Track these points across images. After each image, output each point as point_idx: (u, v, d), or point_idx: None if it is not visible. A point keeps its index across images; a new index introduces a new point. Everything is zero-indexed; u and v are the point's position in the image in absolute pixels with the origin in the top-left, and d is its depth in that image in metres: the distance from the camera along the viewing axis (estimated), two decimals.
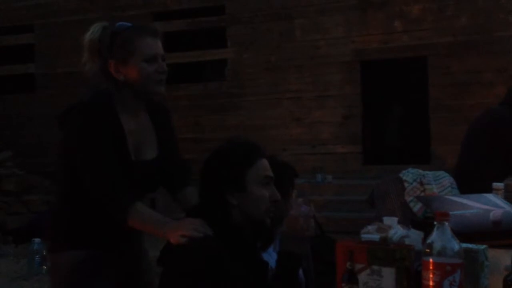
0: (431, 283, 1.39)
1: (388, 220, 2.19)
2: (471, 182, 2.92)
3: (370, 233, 1.98)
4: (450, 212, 1.49)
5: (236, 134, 2.38)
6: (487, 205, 2.01)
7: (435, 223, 1.42)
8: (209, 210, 1.73)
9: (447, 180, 3.00)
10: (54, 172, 2.12)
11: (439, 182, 2.98)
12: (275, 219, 2.10)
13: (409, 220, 2.55)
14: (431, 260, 1.39)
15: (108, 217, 1.91)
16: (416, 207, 2.79)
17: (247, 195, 1.72)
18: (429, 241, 1.41)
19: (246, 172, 1.73)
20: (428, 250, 1.40)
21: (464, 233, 1.63)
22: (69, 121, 1.96)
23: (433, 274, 1.38)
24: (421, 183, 2.99)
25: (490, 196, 2.16)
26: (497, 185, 2.36)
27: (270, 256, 2.03)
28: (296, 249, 1.76)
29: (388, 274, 1.51)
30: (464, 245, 1.47)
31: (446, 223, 1.41)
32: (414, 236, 1.87)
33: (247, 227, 1.74)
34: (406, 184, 3.06)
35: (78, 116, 1.94)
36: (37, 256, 6.04)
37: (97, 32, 2.00)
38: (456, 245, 1.40)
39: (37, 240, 6.12)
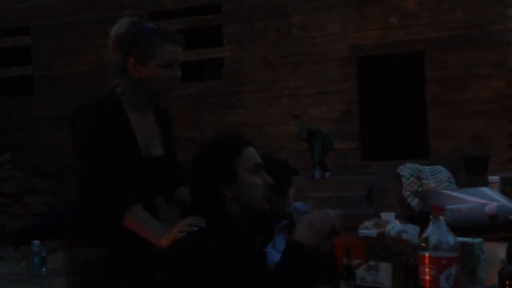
0: (427, 277, 1.39)
1: (386, 216, 2.19)
2: None
3: (368, 229, 1.98)
4: (446, 207, 1.50)
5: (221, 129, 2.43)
6: (483, 199, 2.02)
7: (431, 217, 1.43)
8: (204, 204, 1.75)
9: (444, 174, 3.01)
10: (73, 170, 2.14)
11: (436, 177, 2.98)
12: (273, 215, 2.10)
13: (407, 214, 2.56)
14: (426, 254, 1.39)
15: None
16: (414, 202, 2.80)
17: (240, 185, 1.75)
18: (424, 235, 1.42)
19: (235, 161, 1.75)
20: (424, 245, 1.41)
21: (460, 227, 1.63)
22: (75, 123, 2.02)
23: (429, 268, 1.38)
24: (418, 178, 3.01)
25: (485, 189, 2.17)
26: (493, 178, 2.37)
27: (271, 254, 2.04)
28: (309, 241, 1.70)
29: (385, 269, 1.52)
30: (460, 238, 1.48)
31: (442, 217, 1.41)
32: (411, 231, 1.87)
33: (244, 218, 1.76)
34: (403, 179, 3.07)
35: (83, 116, 2.00)
36: (37, 258, 6.04)
37: (124, 27, 2.04)
38: (451, 239, 1.40)
39: (36, 242, 6.13)
